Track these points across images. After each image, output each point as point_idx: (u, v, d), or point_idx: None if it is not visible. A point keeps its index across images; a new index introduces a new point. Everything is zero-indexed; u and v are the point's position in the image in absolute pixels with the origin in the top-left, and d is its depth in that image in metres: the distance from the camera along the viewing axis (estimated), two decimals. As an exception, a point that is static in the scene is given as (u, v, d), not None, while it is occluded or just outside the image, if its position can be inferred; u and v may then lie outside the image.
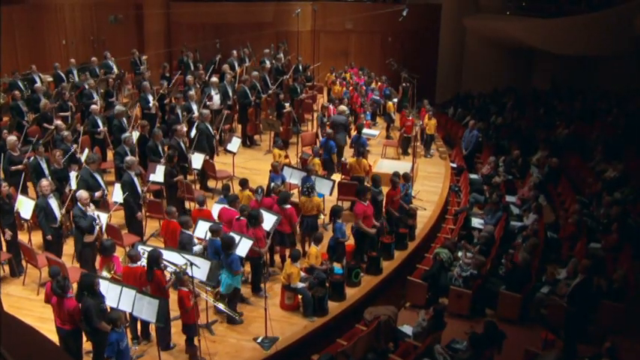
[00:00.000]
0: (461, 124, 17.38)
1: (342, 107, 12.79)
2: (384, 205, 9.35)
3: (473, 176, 13.21)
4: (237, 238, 7.26)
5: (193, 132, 11.19)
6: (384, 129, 15.02)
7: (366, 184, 9.94)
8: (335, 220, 8.30)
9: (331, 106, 12.86)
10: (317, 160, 10.52)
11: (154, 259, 6.42)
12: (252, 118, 13.38)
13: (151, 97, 12.48)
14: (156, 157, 9.93)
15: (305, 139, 12.89)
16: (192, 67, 15.87)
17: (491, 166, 12.99)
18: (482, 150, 14.88)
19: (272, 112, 14.51)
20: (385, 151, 13.64)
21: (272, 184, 9.03)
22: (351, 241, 8.73)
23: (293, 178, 9.98)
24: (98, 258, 7.26)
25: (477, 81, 20.71)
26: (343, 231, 8.30)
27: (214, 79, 13.57)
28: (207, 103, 12.83)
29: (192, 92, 12.55)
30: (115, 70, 15.20)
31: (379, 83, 17.24)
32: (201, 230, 7.75)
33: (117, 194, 8.79)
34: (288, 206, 8.31)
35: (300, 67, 16.74)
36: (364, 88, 15.99)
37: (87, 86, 12.86)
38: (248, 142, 13.68)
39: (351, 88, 16.05)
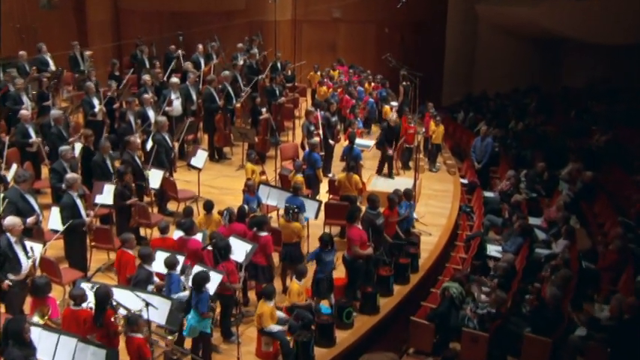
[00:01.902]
0: (473, 131, 17.48)
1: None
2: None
3: (488, 194, 13.34)
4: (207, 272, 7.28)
5: (149, 143, 11.20)
6: None
7: (359, 204, 9.97)
8: (323, 250, 8.34)
9: (318, 112, 13.03)
10: (299, 178, 10.64)
11: (104, 297, 6.40)
12: (221, 126, 13.46)
13: (96, 101, 12.48)
14: (103, 175, 9.94)
15: (285, 152, 12.97)
16: (147, 65, 15.95)
17: (510, 181, 13.11)
18: (500, 162, 15.04)
19: (245, 119, 14.58)
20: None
21: (245, 207, 9.12)
22: (341, 274, 8.78)
23: (271, 198, 10.05)
24: (29, 300, 7.14)
25: (492, 79, 20.93)
26: (330, 260, 8.35)
27: (174, 79, 13.66)
28: (166, 108, 12.90)
29: (147, 95, 12.60)
30: (52, 67, 14.94)
31: (373, 83, 17.45)
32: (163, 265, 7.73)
33: (54, 220, 8.74)
34: (264, 233, 8.37)
35: (279, 65, 16.82)
36: (357, 89, 16.17)
37: (12, 87, 12.57)
38: (216, 155, 13.75)
39: (339, 89, 16.18)
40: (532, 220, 11.87)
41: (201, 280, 7.08)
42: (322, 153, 12.42)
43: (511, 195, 12.64)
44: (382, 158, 13.15)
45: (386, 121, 14.43)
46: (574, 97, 18.61)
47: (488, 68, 21.45)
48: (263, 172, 11.49)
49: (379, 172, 13.16)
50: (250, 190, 9.78)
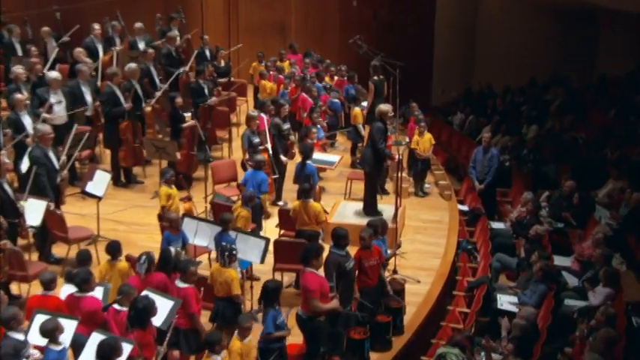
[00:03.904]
0: (474, 139, 17.66)
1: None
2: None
3: (496, 225, 13.43)
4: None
5: (26, 163, 11.11)
6: (349, 151, 15.26)
7: (320, 241, 9.99)
8: (268, 305, 8.39)
9: (264, 117, 13.12)
10: (245, 212, 10.62)
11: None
12: (128, 138, 13.44)
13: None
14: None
15: (219, 172, 13.05)
16: (19, 52, 15.79)
17: (527, 207, 13.14)
18: (511, 181, 15.10)
19: (162, 127, 14.54)
20: (351, 189, 13.80)
21: (171, 250, 9.17)
22: (297, 338, 8.79)
23: (200, 236, 10.06)
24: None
25: (499, 68, 21.07)
26: (281, 321, 8.38)
27: (54, 73, 13.45)
28: (44, 115, 12.59)
29: (20, 95, 12.45)
30: None
31: (337, 77, 17.51)
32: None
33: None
34: (186, 285, 8.43)
35: (207, 53, 16.93)
36: (315, 84, 16.21)
37: None
38: (123, 178, 13.73)
39: (291, 85, 16.25)
40: (558, 260, 11.93)
41: (109, 351, 7.03)
42: (276, 175, 12.58)
43: (528, 226, 12.60)
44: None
45: (354, 128, 14.54)
46: (614, 90, 18.70)
47: (495, 54, 21.53)
48: (188, 199, 11.48)
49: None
50: (173, 226, 9.75)
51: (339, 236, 9.25)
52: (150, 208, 12.49)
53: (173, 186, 11.17)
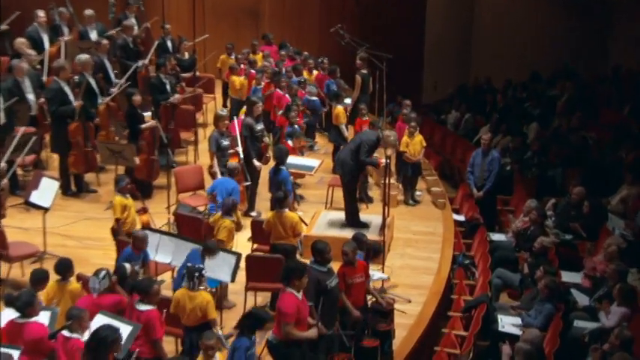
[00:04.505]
0: (470, 140, 17.78)
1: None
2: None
3: (497, 237, 13.47)
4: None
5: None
6: (330, 155, 15.20)
7: (298, 257, 9.99)
8: (244, 334, 8.26)
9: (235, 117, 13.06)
10: (228, 222, 10.65)
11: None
12: (78, 141, 13.35)
13: None
14: None
15: (183, 180, 12.98)
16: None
17: (531, 217, 13.16)
18: (513, 188, 15.16)
19: (118, 128, 14.50)
20: (332, 197, 13.80)
21: (126, 267, 9.12)
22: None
23: (162, 251, 10.03)
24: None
25: (499, 59, 21.22)
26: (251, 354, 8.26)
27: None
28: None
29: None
30: None
31: (317, 71, 17.53)
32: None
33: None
34: (148, 307, 8.33)
35: (169, 44, 16.89)
36: (292, 79, 16.22)
37: None
38: (73, 186, 13.65)
39: (265, 79, 16.21)
40: (566, 277, 11.94)
41: None
42: (248, 182, 12.55)
43: (532, 238, 12.66)
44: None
45: (336, 128, 14.43)
46: (629, 84, 18.75)
47: (494, 45, 21.69)
48: (144, 210, 11.46)
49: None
50: (137, 246, 9.69)
51: (319, 251, 9.14)
52: (104, 221, 12.29)
53: (129, 195, 11.13)
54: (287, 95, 15.52)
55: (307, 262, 9.32)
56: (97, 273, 8.59)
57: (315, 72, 17.72)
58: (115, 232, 10.83)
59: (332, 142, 15.64)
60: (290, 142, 14.12)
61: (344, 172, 12.24)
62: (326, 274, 9.06)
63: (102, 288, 8.51)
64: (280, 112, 15.14)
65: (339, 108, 15.44)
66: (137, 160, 13.09)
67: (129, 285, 8.77)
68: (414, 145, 14.22)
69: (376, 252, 10.54)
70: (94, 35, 16.35)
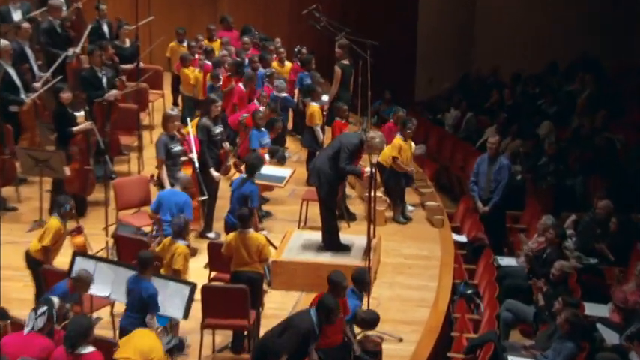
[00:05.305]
0: (474, 144, 17.95)
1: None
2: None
3: (506, 261, 13.47)
4: None
5: None
6: (303, 163, 15.31)
7: (265, 286, 10.13)
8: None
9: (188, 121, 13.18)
10: (183, 248, 10.64)
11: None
12: (-5, 146, 13.30)
13: None
14: None
15: (124, 193, 13.00)
16: None
17: (547, 237, 13.12)
18: (525, 201, 15.20)
19: (45, 131, 14.52)
20: (307, 213, 13.85)
21: (55, 301, 9.04)
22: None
23: (99, 282, 9.94)
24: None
25: (506, 51, 21.47)
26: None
27: None
28: None
29: None
30: None
31: (288, 62, 17.75)
32: None
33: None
34: (89, 349, 8.34)
35: (106, 29, 16.94)
36: (256, 71, 16.34)
37: None
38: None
39: (224, 72, 16.23)
40: (590, 309, 11.90)
41: None
42: (204, 197, 12.51)
43: (549, 262, 12.53)
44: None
45: (311, 131, 14.46)
46: None
47: (501, 28, 21.94)
48: (79, 231, 11.28)
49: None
50: (77, 287, 9.53)
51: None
52: (26, 245, 11.87)
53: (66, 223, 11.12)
54: (263, 91, 15.65)
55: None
56: (36, 308, 8.70)
57: (288, 63, 17.82)
58: (37, 261, 10.66)
59: (305, 147, 15.77)
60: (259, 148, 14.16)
61: (320, 184, 12.26)
62: (303, 315, 9.33)
63: (36, 327, 8.54)
64: (245, 115, 15.14)
65: (314, 106, 15.42)
66: (67, 170, 13.01)
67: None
68: (407, 150, 14.17)
69: (371, 323, 10.33)
70: (17, 16, 16.19)
